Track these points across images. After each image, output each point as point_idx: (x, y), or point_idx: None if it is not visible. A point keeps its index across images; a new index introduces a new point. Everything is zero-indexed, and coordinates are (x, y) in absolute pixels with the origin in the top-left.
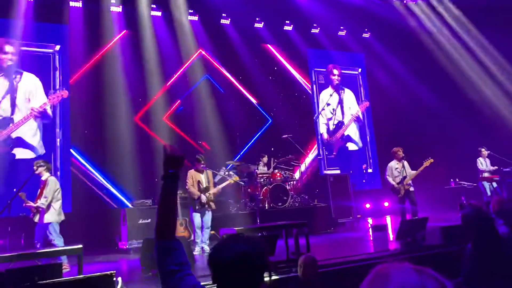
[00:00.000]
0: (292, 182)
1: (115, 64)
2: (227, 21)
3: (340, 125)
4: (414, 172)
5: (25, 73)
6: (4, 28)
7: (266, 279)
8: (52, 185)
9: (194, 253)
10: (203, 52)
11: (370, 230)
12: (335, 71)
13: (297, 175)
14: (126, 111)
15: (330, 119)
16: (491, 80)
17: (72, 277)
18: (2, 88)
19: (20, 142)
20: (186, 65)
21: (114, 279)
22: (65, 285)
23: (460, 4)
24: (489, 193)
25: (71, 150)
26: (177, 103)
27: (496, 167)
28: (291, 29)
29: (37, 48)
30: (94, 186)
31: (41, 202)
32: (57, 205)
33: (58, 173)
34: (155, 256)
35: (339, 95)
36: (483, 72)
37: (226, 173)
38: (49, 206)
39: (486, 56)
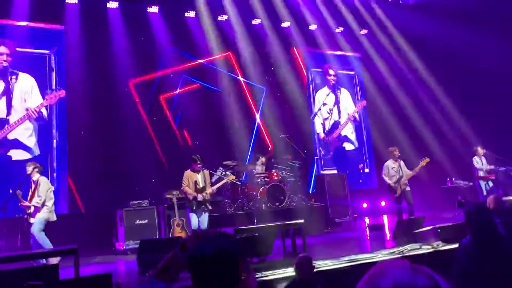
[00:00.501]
0: (290, 180)
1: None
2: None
3: (336, 125)
4: (410, 171)
5: (20, 74)
6: None
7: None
8: (45, 184)
9: None
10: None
11: (367, 229)
12: (331, 71)
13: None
14: (126, 110)
15: (326, 119)
16: None
17: (68, 279)
18: None
19: (16, 144)
20: (185, 65)
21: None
22: (62, 287)
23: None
24: (485, 193)
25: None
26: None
27: (492, 166)
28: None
29: (33, 49)
30: (91, 187)
31: (36, 201)
32: (49, 203)
33: (55, 174)
34: None
35: (336, 95)
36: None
37: (223, 173)
38: (42, 204)
39: None
